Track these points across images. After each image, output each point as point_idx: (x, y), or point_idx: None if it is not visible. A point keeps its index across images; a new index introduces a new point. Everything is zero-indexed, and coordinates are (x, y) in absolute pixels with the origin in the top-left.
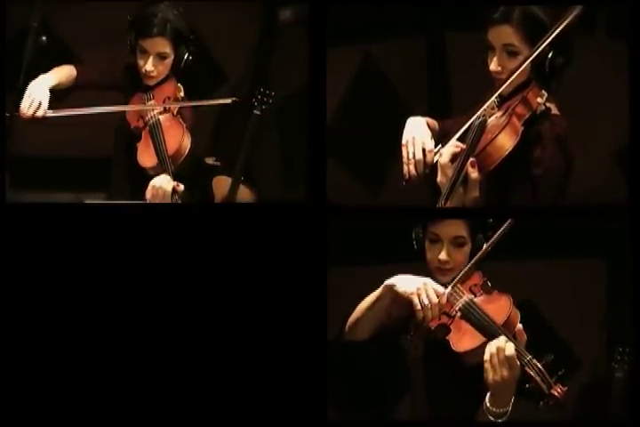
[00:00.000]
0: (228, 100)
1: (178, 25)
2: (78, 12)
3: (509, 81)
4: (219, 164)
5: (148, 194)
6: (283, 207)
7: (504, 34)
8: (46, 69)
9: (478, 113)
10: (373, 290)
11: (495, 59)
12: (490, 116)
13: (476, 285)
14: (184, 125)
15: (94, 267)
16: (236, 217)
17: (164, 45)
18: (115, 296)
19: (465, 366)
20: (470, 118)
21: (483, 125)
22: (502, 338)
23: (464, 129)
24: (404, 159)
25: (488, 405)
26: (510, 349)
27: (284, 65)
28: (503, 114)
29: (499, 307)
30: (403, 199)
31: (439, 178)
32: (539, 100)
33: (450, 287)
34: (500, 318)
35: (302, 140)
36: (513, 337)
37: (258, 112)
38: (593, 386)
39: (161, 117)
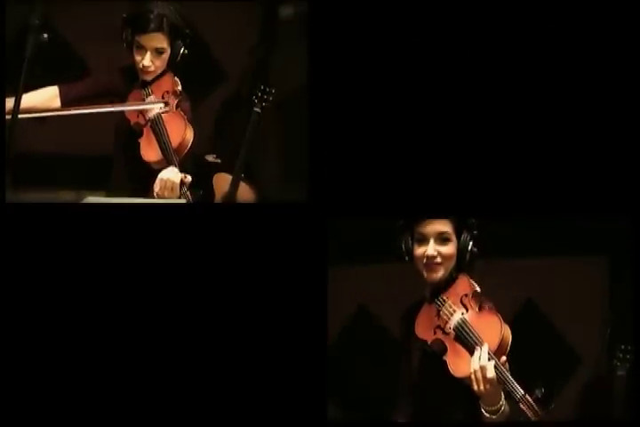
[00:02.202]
0: (160, 105)
1: (174, 20)
2: (79, 9)
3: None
4: (219, 161)
5: (157, 187)
6: (283, 207)
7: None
8: (47, 67)
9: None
10: (373, 289)
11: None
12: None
13: (466, 295)
14: (185, 118)
15: (94, 266)
16: (236, 217)
17: (160, 41)
18: (114, 295)
19: (462, 386)
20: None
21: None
22: (485, 356)
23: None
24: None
25: (481, 404)
26: (491, 371)
27: (285, 62)
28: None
29: (490, 329)
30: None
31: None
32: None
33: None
34: (493, 342)
35: (303, 139)
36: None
37: (258, 109)
38: (595, 384)
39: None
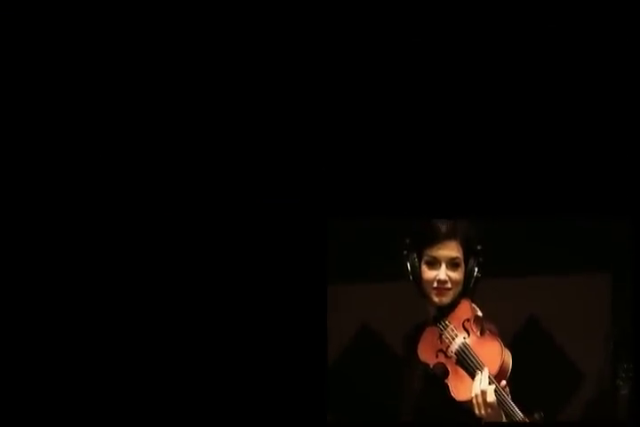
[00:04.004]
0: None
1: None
2: None
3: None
4: None
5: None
6: (283, 207)
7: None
8: None
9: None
10: (374, 306)
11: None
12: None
13: (468, 320)
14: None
15: (92, 264)
16: (235, 216)
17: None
18: (114, 296)
19: (464, 409)
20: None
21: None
22: (486, 380)
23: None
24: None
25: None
26: (492, 395)
27: None
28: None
29: (491, 354)
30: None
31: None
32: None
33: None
34: (493, 366)
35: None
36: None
37: None
38: (597, 401)
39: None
